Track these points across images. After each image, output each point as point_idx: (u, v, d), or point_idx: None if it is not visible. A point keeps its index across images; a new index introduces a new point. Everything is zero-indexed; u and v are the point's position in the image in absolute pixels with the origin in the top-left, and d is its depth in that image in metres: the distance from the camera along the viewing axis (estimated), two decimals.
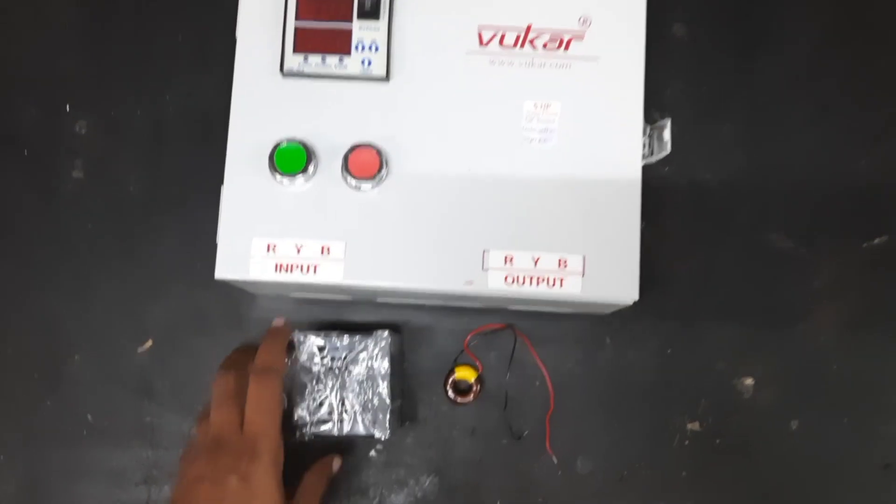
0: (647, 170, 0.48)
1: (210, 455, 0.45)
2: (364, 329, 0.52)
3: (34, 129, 0.57)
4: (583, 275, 0.46)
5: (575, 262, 0.47)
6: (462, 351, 0.55)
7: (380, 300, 0.55)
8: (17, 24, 0.58)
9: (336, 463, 0.52)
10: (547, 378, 0.54)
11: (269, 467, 0.45)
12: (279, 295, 0.55)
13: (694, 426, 0.55)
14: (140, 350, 0.55)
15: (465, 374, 0.54)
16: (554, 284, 0.46)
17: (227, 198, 0.47)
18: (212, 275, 0.47)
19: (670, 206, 0.56)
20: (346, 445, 0.54)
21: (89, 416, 0.55)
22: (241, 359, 0.50)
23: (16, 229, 0.57)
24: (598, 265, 0.46)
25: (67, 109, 0.57)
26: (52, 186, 0.57)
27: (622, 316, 0.54)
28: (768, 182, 0.57)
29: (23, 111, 0.57)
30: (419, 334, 0.56)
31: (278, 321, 0.52)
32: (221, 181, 0.48)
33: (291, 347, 0.51)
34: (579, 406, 0.55)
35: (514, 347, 0.54)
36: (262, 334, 0.51)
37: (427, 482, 0.54)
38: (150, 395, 0.55)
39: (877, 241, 0.57)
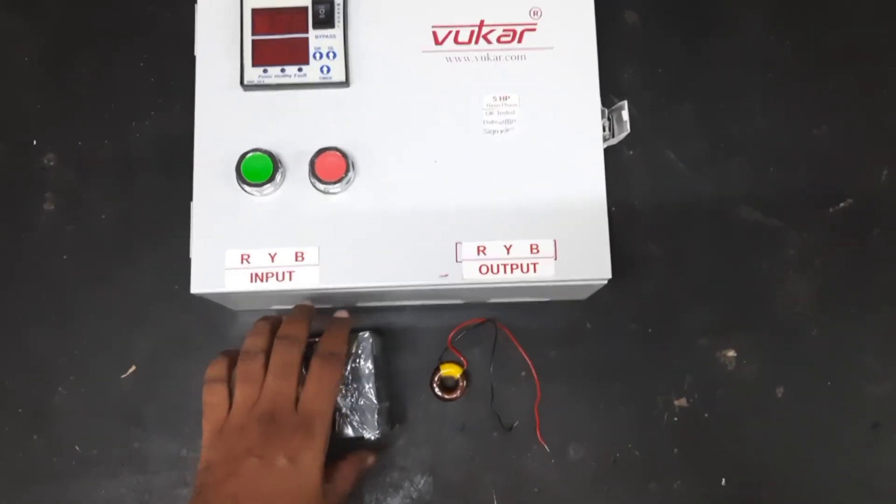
0: (610, 154, 0.49)
1: (264, 427, 0.44)
2: None
3: (2, 165, 0.57)
4: (555, 258, 0.47)
5: (546, 247, 0.47)
6: (446, 349, 0.55)
7: (360, 304, 0.55)
8: None
9: (371, 458, 0.52)
10: (532, 368, 0.55)
11: (318, 451, 0.45)
12: (260, 309, 0.55)
13: (681, 403, 0.55)
14: (123, 376, 0.55)
15: (450, 370, 0.54)
16: (528, 270, 0.47)
17: (198, 212, 0.48)
18: (190, 297, 0.47)
19: (637, 188, 0.57)
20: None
21: (77, 447, 0.54)
22: (294, 331, 0.48)
23: None
24: (570, 247, 0.47)
25: (34, 143, 0.58)
26: (25, 220, 0.57)
27: (600, 300, 0.54)
28: (731, 157, 0.58)
29: None
30: (402, 335, 0.56)
31: (342, 312, 0.52)
32: (191, 201, 0.48)
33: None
34: (566, 393, 0.55)
35: (495, 341, 0.55)
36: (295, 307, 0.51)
37: (422, 482, 0.54)
38: (137, 420, 0.55)
39: (841, 205, 0.58)
